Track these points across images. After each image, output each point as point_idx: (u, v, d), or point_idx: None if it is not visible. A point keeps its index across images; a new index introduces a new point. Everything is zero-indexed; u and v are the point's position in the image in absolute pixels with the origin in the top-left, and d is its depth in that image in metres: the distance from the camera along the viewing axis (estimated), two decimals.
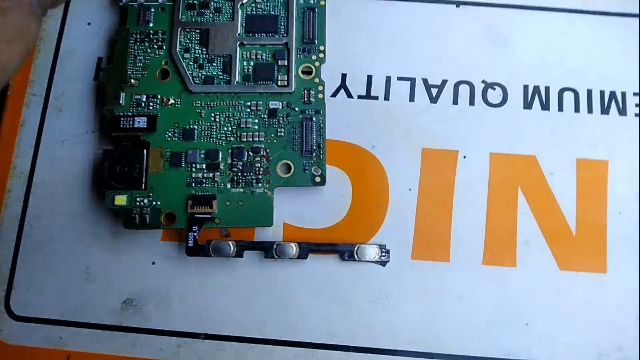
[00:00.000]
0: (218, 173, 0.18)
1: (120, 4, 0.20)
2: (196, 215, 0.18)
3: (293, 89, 0.19)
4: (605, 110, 0.19)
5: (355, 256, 0.18)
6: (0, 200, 0.19)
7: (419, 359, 0.17)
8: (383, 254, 0.18)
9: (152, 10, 0.20)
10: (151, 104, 0.19)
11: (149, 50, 0.19)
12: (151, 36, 0.19)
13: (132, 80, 0.19)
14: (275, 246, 0.18)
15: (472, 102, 0.19)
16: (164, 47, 0.19)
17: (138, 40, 0.19)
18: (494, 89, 0.19)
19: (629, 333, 0.17)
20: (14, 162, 0.19)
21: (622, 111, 0.19)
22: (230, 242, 0.18)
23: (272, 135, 0.19)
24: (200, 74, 0.19)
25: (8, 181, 0.19)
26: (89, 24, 0.20)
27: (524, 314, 0.17)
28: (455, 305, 0.17)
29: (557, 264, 0.17)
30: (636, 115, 0.19)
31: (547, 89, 0.19)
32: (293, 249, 0.18)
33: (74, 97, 0.20)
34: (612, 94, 0.19)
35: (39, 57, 0.20)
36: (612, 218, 0.18)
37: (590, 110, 0.19)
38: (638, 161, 0.18)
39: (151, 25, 0.19)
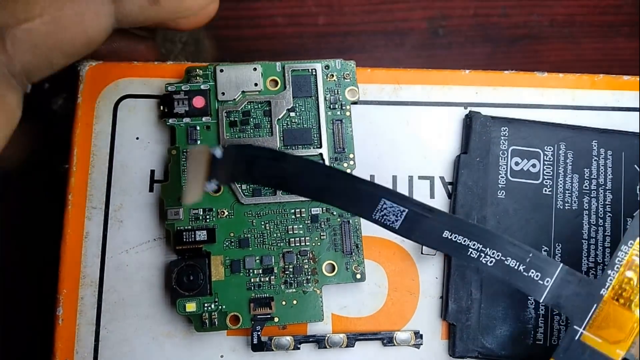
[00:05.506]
0: (273, 276, 0.21)
1: (167, 123, 0.22)
2: (258, 317, 0.21)
3: None
4: None
5: (394, 342, 0.21)
6: (75, 307, 0.21)
7: None
8: (417, 338, 0.21)
9: (198, 128, 0.22)
10: (207, 217, 0.21)
11: None
12: None
13: None
14: (326, 338, 0.21)
15: None
16: None
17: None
18: None
19: None
20: (83, 271, 0.22)
21: None
22: (288, 338, 0.21)
23: (316, 238, 0.21)
24: (248, 187, 0.21)
25: (79, 289, 0.21)
26: (137, 138, 0.22)
27: None
28: None
29: None
30: None
31: None
32: (342, 339, 0.21)
33: (132, 208, 0.22)
34: None
35: (94, 172, 0.22)
36: None
37: None
38: None
39: (199, 142, 0.22)
